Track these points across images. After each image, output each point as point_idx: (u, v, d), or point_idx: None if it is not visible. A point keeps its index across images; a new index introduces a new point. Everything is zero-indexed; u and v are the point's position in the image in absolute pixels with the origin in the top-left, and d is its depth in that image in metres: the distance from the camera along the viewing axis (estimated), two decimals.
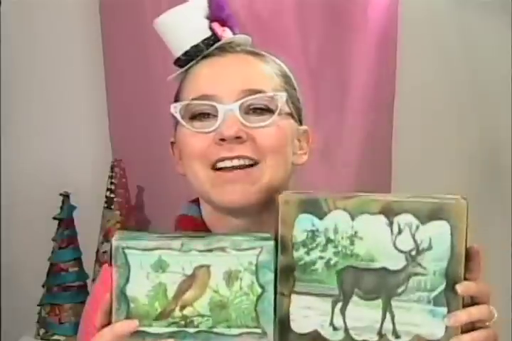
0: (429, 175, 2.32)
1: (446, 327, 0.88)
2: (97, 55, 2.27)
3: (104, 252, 2.14)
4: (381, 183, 2.22)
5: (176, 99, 1.10)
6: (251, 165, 1.02)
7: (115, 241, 0.89)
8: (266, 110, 1.04)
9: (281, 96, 1.04)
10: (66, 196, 2.14)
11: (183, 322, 0.89)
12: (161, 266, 0.89)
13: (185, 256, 0.89)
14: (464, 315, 0.87)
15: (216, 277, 0.89)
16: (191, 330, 0.89)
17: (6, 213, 2.30)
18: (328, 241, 0.88)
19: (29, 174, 2.32)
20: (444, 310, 0.88)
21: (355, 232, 0.88)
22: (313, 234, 0.88)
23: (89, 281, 2.16)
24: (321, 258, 0.89)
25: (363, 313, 0.89)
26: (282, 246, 0.89)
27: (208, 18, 1.09)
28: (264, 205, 1.03)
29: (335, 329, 0.89)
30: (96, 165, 2.32)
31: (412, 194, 0.91)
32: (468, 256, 0.89)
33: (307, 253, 0.89)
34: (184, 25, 1.10)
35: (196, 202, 1.13)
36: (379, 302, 0.89)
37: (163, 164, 1.97)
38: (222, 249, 0.89)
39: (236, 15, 1.13)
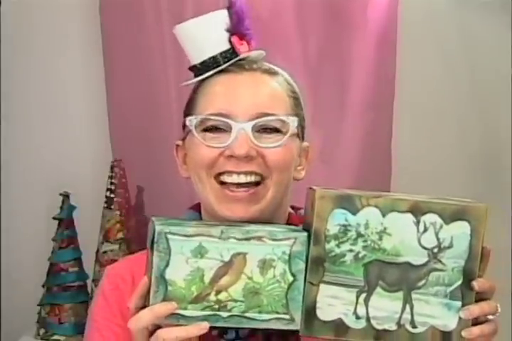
0: (429, 175, 2.32)
1: (459, 320, 0.96)
2: (97, 55, 2.26)
3: (104, 252, 2.14)
4: (381, 183, 2.22)
5: (189, 111, 1.13)
6: (257, 183, 1.07)
7: (158, 226, 0.93)
8: (276, 130, 1.08)
9: (293, 121, 1.09)
10: (66, 196, 2.14)
11: (217, 306, 0.94)
12: (200, 252, 0.93)
13: (224, 243, 0.93)
14: (476, 309, 0.95)
15: (251, 265, 0.94)
16: (224, 314, 0.94)
17: (6, 213, 2.30)
18: (359, 235, 0.95)
19: (29, 174, 2.32)
20: (458, 303, 0.96)
21: (385, 228, 0.95)
22: (345, 228, 0.95)
23: (89, 281, 2.16)
24: (351, 251, 0.95)
25: (384, 304, 0.95)
26: (315, 238, 0.95)
27: (228, 30, 1.12)
28: (265, 218, 1.08)
29: (357, 318, 0.95)
30: (96, 165, 2.31)
31: (433, 196, 0.98)
32: (482, 256, 0.97)
33: (338, 245, 0.95)
34: (204, 35, 1.13)
35: (196, 208, 1.17)
36: (400, 294, 0.95)
37: (163, 164, 1.97)
38: (259, 238, 0.94)
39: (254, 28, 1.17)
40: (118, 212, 2.16)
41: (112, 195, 2.16)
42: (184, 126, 1.13)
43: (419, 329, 0.95)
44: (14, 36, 2.28)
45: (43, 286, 2.15)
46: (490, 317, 0.97)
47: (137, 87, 2.23)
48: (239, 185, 1.06)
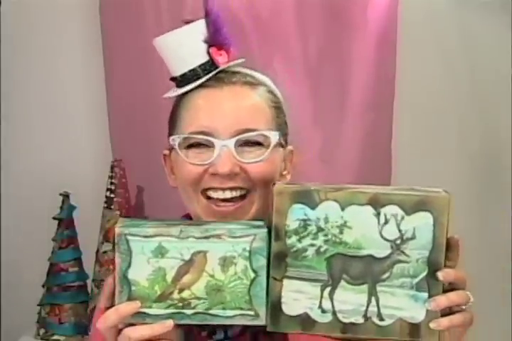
0: (429, 174, 2.32)
1: (427, 311, 0.94)
2: (97, 55, 2.26)
3: (104, 252, 2.14)
4: (381, 183, 2.21)
5: (172, 127, 1.16)
6: (242, 197, 1.09)
7: (118, 229, 0.95)
8: (258, 143, 1.10)
9: (275, 135, 1.11)
10: (66, 196, 2.14)
11: (180, 304, 0.95)
12: (160, 252, 0.94)
13: (183, 242, 0.95)
14: (443, 300, 0.94)
15: (212, 262, 0.95)
16: (188, 312, 0.95)
17: (6, 213, 2.30)
18: (319, 229, 0.94)
19: (29, 174, 2.32)
20: (425, 295, 0.94)
21: (345, 222, 0.94)
22: (305, 223, 0.95)
23: (89, 281, 2.16)
24: (312, 245, 0.95)
25: (349, 297, 0.95)
26: (276, 233, 0.95)
27: (205, 41, 1.13)
28: None
29: (323, 311, 0.95)
30: (96, 165, 2.32)
31: (397, 187, 0.99)
32: (449, 245, 0.95)
33: (299, 240, 0.95)
34: (183, 48, 1.14)
35: (189, 216, 1.19)
36: (365, 287, 0.95)
37: (163, 164, 1.97)
38: (218, 236, 0.95)
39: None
40: (118, 212, 2.16)
41: (112, 195, 2.17)
42: (169, 137, 1.15)
43: (387, 322, 0.95)
44: (14, 36, 2.29)
45: (43, 286, 2.15)
46: (463, 307, 0.95)
47: (137, 87, 2.23)
48: (225, 200, 1.09)
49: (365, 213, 0.94)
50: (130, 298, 0.95)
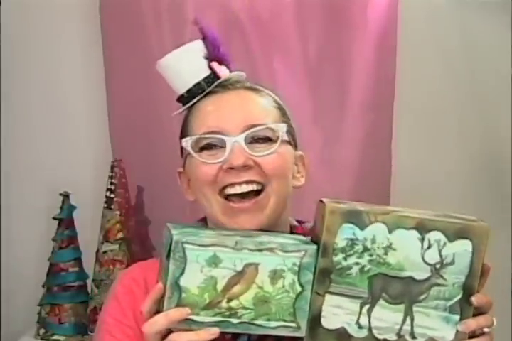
0: (429, 175, 2.32)
1: (456, 332, 1.01)
2: (97, 55, 2.26)
3: (104, 252, 2.14)
4: (381, 183, 2.22)
5: (184, 133, 1.20)
6: (258, 191, 1.12)
7: (176, 236, 0.98)
8: (267, 139, 1.14)
9: (282, 127, 1.15)
10: (66, 196, 2.14)
11: (227, 313, 0.99)
12: (214, 262, 0.98)
13: (237, 253, 0.98)
14: (473, 323, 1.01)
15: (262, 275, 0.99)
16: (234, 321, 0.99)
17: (6, 213, 2.30)
18: (365, 249, 0.99)
19: (29, 174, 2.32)
20: (457, 317, 1.01)
21: (390, 244, 1.00)
22: (352, 242, 0.99)
23: (89, 281, 2.16)
24: (357, 264, 1.00)
25: (386, 315, 1.01)
26: (324, 250, 0.99)
27: (206, 58, 1.21)
28: (270, 226, 1.13)
29: (360, 327, 1.00)
30: (96, 165, 2.31)
31: (437, 212, 1.04)
32: (482, 272, 1.02)
33: (345, 258, 1.00)
34: (186, 66, 1.21)
35: (202, 221, 1.23)
36: (402, 306, 1.01)
37: (163, 164, 1.97)
38: (271, 250, 0.99)
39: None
40: (118, 212, 2.16)
41: (112, 195, 2.16)
42: (182, 152, 1.20)
43: (418, 340, 1.01)
44: (14, 36, 2.28)
45: (43, 286, 2.15)
46: (486, 330, 1.03)
47: (137, 86, 2.22)
48: (242, 196, 1.12)
49: (411, 237, 0.99)
50: (179, 305, 0.97)
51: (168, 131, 2.08)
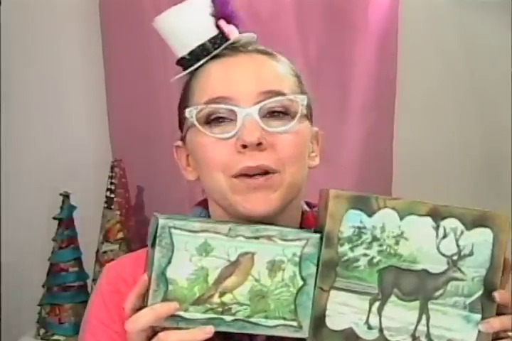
0: (429, 175, 2.32)
1: (478, 333, 0.89)
2: (97, 55, 2.26)
3: (104, 252, 2.14)
4: (382, 183, 2.22)
5: (185, 102, 1.04)
6: (273, 173, 0.98)
7: (162, 220, 0.86)
8: (284, 113, 0.99)
9: (302, 99, 1.01)
10: (66, 196, 2.14)
11: (220, 309, 0.87)
12: (205, 250, 0.87)
13: (231, 241, 0.87)
14: (497, 322, 0.89)
15: (259, 266, 0.87)
16: (228, 318, 0.87)
17: (6, 213, 2.30)
18: (374, 239, 0.88)
19: (29, 174, 2.32)
20: (478, 316, 0.90)
21: (402, 232, 0.89)
22: (359, 230, 0.88)
23: (89, 281, 2.16)
24: (365, 255, 0.89)
25: (399, 314, 0.89)
26: (327, 240, 0.88)
27: (212, 15, 1.05)
28: (281, 212, 1.00)
29: (369, 328, 0.89)
30: (96, 165, 2.31)
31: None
32: (503, 267, 0.91)
33: (351, 249, 0.88)
34: (188, 24, 1.04)
35: (203, 204, 1.09)
36: (416, 303, 0.89)
37: (163, 164, 1.97)
38: (269, 238, 0.88)
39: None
40: (118, 212, 2.16)
41: (112, 195, 2.16)
42: (181, 124, 1.06)
43: None
44: (14, 36, 2.28)
45: (43, 286, 2.15)
46: (510, 333, 0.90)
47: (137, 86, 2.23)
48: (254, 174, 0.97)
49: (424, 224, 0.89)
50: (165, 299, 0.86)
51: (168, 131, 2.08)
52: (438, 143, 2.33)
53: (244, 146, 0.96)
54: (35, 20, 2.30)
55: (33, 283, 2.18)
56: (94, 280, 2.13)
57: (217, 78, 1.00)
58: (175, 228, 0.86)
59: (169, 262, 0.86)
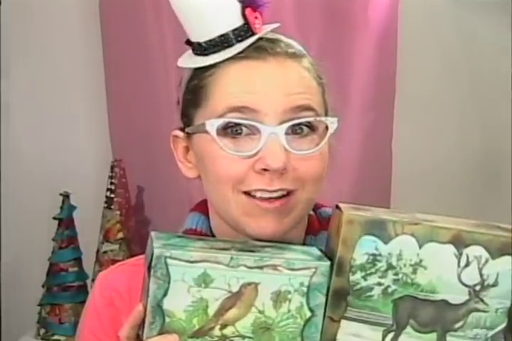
0: (429, 175, 2.32)
1: None
2: (97, 55, 2.26)
3: (104, 252, 2.14)
4: (381, 183, 2.22)
5: (195, 101, 0.93)
6: (288, 193, 0.90)
7: (157, 250, 0.80)
8: (309, 128, 0.90)
9: (332, 122, 0.91)
10: (66, 196, 2.14)
11: None
12: (204, 281, 0.81)
13: (232, 271, 0.81)
14: None
15: (263, 296, 0.82)
16: None
17: (6, 213, 2.30)
18: (390, 267, 0.82)
19: (29, 174, 2.32)
20: None
21: (420, 260, 0.82)
22: (374, 258, 0.82)
23: (89, 281, 2.16)
24: (379, 284, 0.83)
25: None
26: (339, 267, 0.82)
27: (240, 1, 0.91)
28: (291, 227, 0.94)
29: None
30: (96, 165, 2.32)
31: (480, 222, 0.87)
32: None
33: (364, 278, 0.83)
34: (212, 6, 0.90)
35: (201, 209, 1.01)
36: (433, 335, 0.84)
37: (163, 164, 1.97)
38: (275, 267, 0.82)
39: None
40: (118, 212, 2.16)
41: (112, 195, 2.16)
42: (183, 116, 0.97)
43: None
44: (14, 36, 2.28)
45: (43, 286, 2.15)
46: None
47: (137, 86, 2.23)
48: (270, 197, 0.89)
49: (445, 253, 0.82)
50: (162, 331, 0.81)
51: (168, 130, 2.08)
52: (437, 143, 2.33)
53: (265, 170, 0.88)
54: (35, 20, 2.30)
55: (33, 283, 2.18)
56: (94, 280, 2.13)
57: (240, 84, 0.89)
58: (171, 258, 0.80)
59: (165, 294, 0.81)
